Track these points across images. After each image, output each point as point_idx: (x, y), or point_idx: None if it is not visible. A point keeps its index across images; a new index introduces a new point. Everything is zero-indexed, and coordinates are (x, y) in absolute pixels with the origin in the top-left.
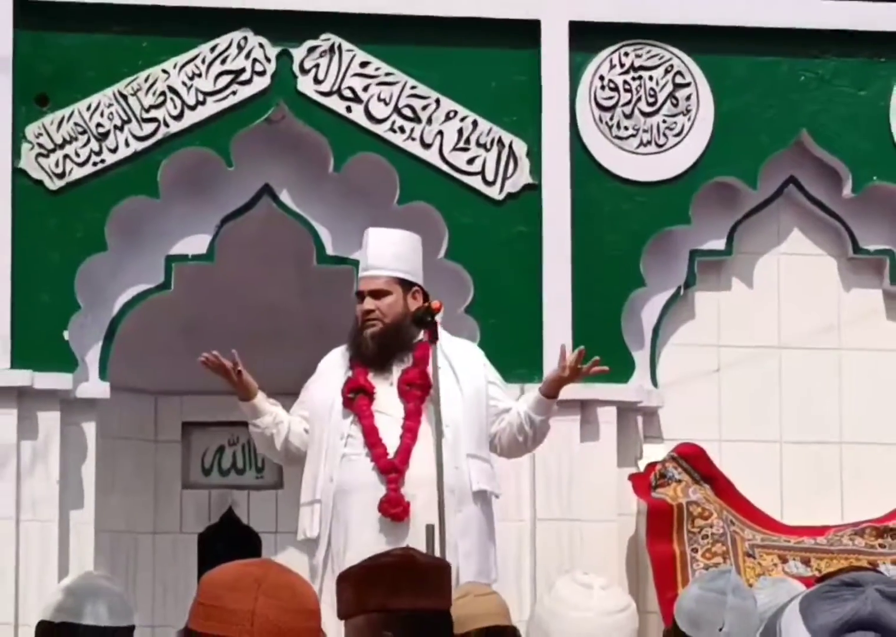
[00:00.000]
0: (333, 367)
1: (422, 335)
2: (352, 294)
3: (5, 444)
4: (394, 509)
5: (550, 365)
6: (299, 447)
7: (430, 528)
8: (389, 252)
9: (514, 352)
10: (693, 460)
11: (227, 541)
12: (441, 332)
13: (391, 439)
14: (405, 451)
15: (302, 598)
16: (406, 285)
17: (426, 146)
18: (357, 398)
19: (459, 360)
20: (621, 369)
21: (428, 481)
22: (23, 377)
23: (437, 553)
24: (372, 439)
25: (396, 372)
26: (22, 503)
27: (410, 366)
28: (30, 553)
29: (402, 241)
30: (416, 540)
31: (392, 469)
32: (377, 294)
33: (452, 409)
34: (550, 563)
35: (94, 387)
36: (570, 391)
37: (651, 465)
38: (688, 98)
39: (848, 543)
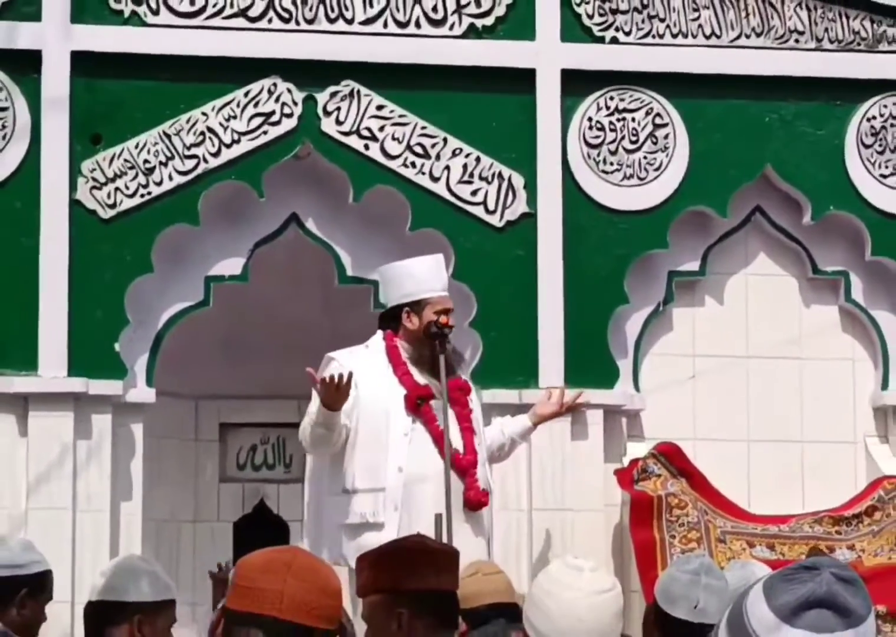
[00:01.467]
0: (367, 369)
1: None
2: (369, 310)
3: (63, 443)
4: (484, 497)
5: (545, 372)
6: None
7: (438, 518)
8: (446, 278)
9: (512, 361)
10: (671, 457)
11: (259, 529)
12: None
13: (458, 442)
14: (472, 450)
15: (325, 579)
16: None
17: (435, 179)
18: (423, 404)
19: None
20: (607, 376)
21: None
22: (79, 384)
23: (445, 540)
24: (439, 439)
25: (445, 381)
26: (78, 496)
27: (452, 379)
28: (84, 540)
29: (444, 266)
30: (474, 523)
31: (472, 465)
32: (450, 312)
33: (479, 417)
34: (545, 548)
35: (142, 392)
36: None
37: (634, 461)
38: (666, 137)
39: (808, 530)
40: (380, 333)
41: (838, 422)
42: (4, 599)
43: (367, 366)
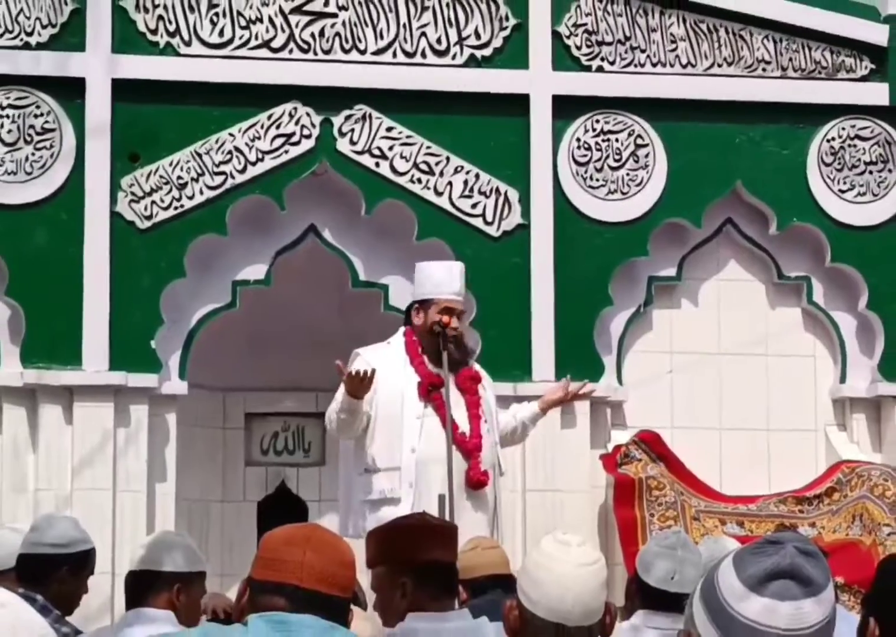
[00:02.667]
0: (387, 362)
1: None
2: (379, 312)
3: (104, 430)
4: (484, 477)
5: (538, 367)
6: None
7: (441, 498)
8: (459, 283)
9: (509, 357)
10: (650, 443)
11: (280, 508)
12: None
13: (465, 426)
14: (477, 434)
15: (341, 552)
16: None
17: (439, 194)
18: (434, 391)
19: (486, 383)
20: (593, 371)
21: (486, 463)
22: (119, 378)
23: (448, 517)
24: (448, 422)
25: (444, 371)
26: (118, 478)
27: (461, 371)
28: (124, 517)
29: (461, 272)
30: (476, 500)
31: (477, 448)
32: (459, 314)
33: (488, 404)
34: (537, 525)
35: (175, 385)
36: (552, 388)
37: (617, 448)
38: (646, 156)
39: (774, 509)
40: (402, 329)
41: (801, 412)
42: (47, 575)
43: (386, 358)
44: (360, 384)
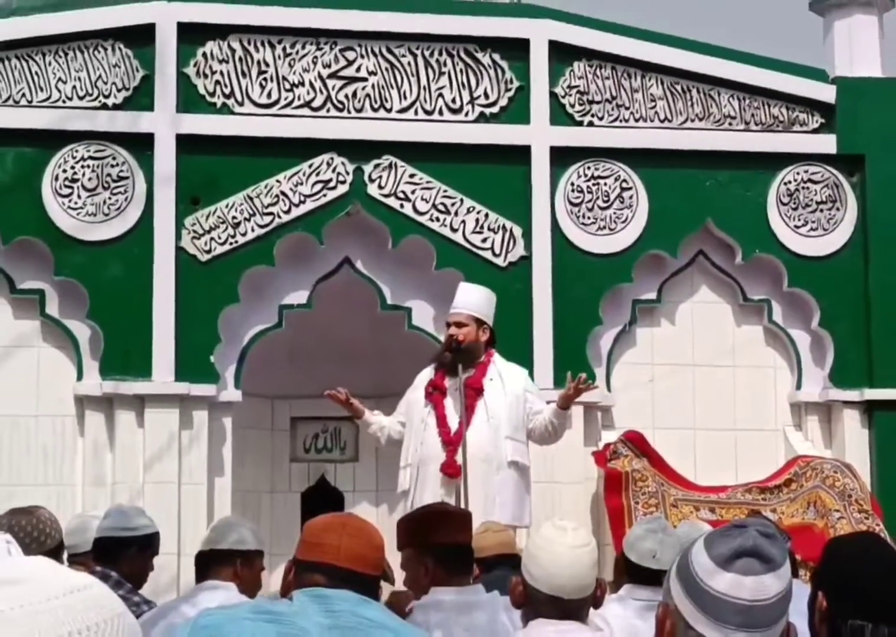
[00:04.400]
0: (423, 378)
1: (483, 357)
2: (404, 330)
3: (171, 433)
4: (449, 470)
5: (539, 376)
6: (397, 437)
7: (456, 486)
8: (469, 299)
9: None
10: (635, 442)
11: (320, 498)
12: (497, 357)
13: (454, 424)
14: (459, 432)
15: (371, 537)
16: (479, 322)
17: (454, 231)
18: (434, 394)
19: (507, 376)
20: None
21: (475, 454)
22: (183, 387)
23: (463, 505)
24: (441, 423)
25: (463, 378)
26: (182, 472)
27: (473, 375)
28: (187, 506)
29: (479, 293)
30: (448, 486)
31: (450, 442)
32: (459, 325)
33: (497, 406)
34: (539, 512)
35: (231, 394)
36: (551, 394)
37: (607, 445)
38: (630, 197)
39: (741, 498)
40: None
41: (763, 414)
42: (118, 554)
43: (426, 373)
44: (343, 407)
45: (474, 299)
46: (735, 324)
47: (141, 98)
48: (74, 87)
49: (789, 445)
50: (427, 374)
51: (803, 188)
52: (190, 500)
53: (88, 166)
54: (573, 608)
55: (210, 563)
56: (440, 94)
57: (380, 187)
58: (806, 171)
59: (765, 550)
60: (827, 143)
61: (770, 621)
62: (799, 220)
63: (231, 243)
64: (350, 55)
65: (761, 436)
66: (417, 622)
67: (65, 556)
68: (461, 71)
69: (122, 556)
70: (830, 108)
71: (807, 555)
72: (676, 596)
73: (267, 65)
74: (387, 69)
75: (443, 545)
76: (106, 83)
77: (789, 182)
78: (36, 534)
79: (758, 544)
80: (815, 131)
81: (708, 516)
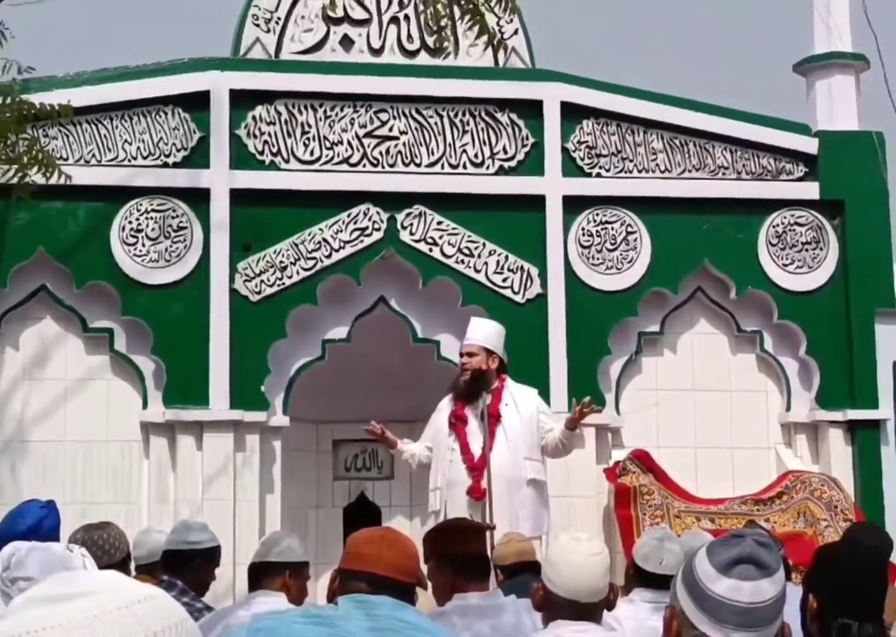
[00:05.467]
0: (445, 406)
1: (496, 383)
2: (434, 361)
3: (226, 454)
4: (476, 494)
5: (555, 401)
6: (426, 461)
7: (482, 506)
8: (479, 331)
9: None
10: (642, 459)
11: (360, 512)
12: (509, 381)
13: (476, 450)
14: (483, 457)
15: (407, 547)
16: (488, 352)
17: (477, 272)
18: (457, 424)
19: (520, 399)
20: (597, 404)
21: (498, 475)
22: (237, 414)
23: (489, 522)
24: (465, 450)
25: (481, 405)
26: (236, 490)
27: (490, 403)
28: (241, 520)
29: (488, 326)
30: (474, 508)
31: (474, 468)
32: (470, 355)
33: (514, 430)
34: (557, 522)
35: (279, 419)
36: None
37: (616, 463)
38: (635, 240)
39: (737, 509)
40: None
41: (756, 434)
42: (184, 565)
43: (447, 402)
44: (379, 439)
45: (483, 332)
46: (730, 352)
47: (198, 157)
48: (139, 147)
49: (780, 461)
50: (447, 402)
51: (790, 231)
52: (243, 515)
53: (151, 218)
54: (589, 610)
55: (261, 574)
56: (464, 150)
57: (411, 234)
58: (792, 216)
59: (761, 558)
60: (811, 190)
61: (766, 622)
62: (786, 259)
63: (279, 285)
64: (383, 116)
65: (755, 453)
66: (446, 625)
67: (132, 566)
68: (482, 129)
69: (187, 567)
70: (813, 159)
71: (798, 560)
72: (682, 599)
73: (309, 126)
74: (416, 128)
75: (458, 555)
76: (167, 144)
77: (777, 225)
78: (107, 547)
79: (754, 552)
80: (799, 179)
81: (708, 526)
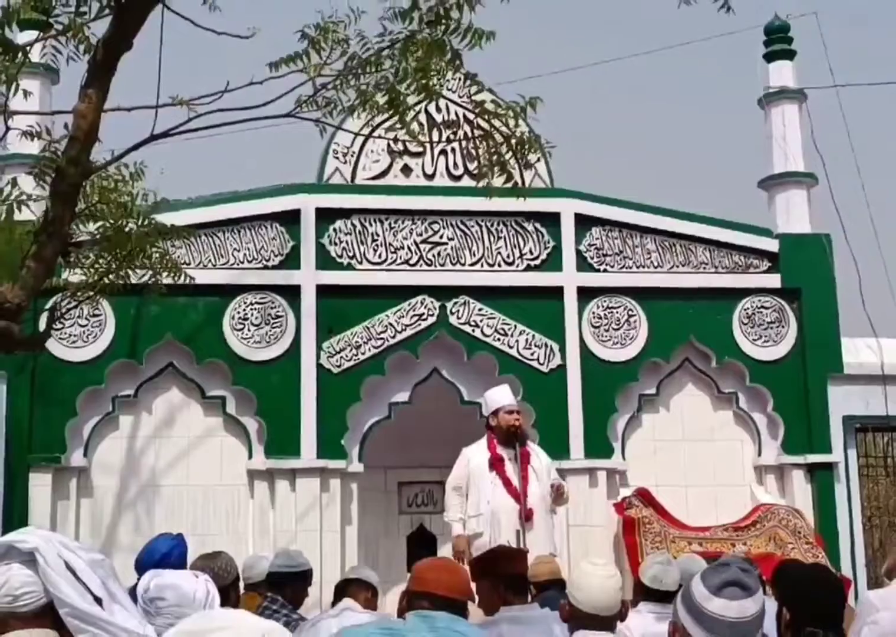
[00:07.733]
0: (475, 453)
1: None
2: (477, 419)
3: (314, 495)
4: (528, 515)
5: (573, 450)
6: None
7: (518, 533)
8: (511, 396)
9: (555, 445)
10: (644, 496)
11: (421, 541)
12: (531, 444)
13: (516, 483)
14: (525, 490)
15: (460, 573)
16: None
17: (510, 347)
18: (497, 463)
19: (537, 450)
20: (607, 452)
21: (533, 504)
22: (322, 463)
23: (523, 542)
24: (508, 484)
25: (514, 450)
26: (322, 523)
27: (524, 448)
28: (325, 548)
29: (511, 391)
30: (530, 533)
31: (518, 497)
32: (518, 413)
33: (540, 471)
34: (577, 546)
35: (356, 466)
36: (582, 463)
37: (624, 499)
38: (635, 322)
39: (721, 535)
40: (487, 432)
41: (734, 474)
42: (285, 585)
43: (478, 449)
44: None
45: (513, 395)
46: (712, 410)
47: (291, 261)
48: (245, 254)
49: (754, 496)
50: (476, 449)
51: (758, 312)
52: (328, 543)
53: (255, 309)
54: (607, 621)
55: (348, 592)
56: (498, 252)
57: (458, 318)
58: (759, 301)
59: (744, 581)
60: (774, 281)
61: (751, 633)
62: (756, 335)
63: (354, 360)
64: (435, 227)
65: (734, 490)
66: (494, 633)
67: (241, 585)
68: (513, 235)
69: (287, 586)
70: (775, 256)
71: (770, 577)
72: (682, 616)
73: (378, 235)
74: (461, 236)
75: (507, 575)
76: (266, 251)
77: (748, 308)
78: (220, 572)
79: (739, 577)
80: (764, 272)
81: (698, 548)
